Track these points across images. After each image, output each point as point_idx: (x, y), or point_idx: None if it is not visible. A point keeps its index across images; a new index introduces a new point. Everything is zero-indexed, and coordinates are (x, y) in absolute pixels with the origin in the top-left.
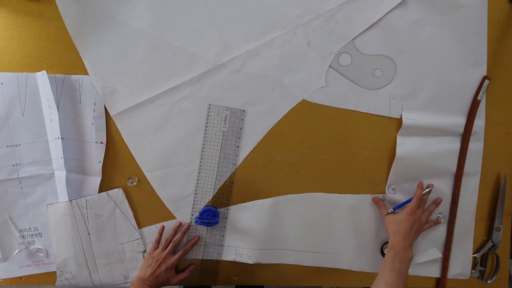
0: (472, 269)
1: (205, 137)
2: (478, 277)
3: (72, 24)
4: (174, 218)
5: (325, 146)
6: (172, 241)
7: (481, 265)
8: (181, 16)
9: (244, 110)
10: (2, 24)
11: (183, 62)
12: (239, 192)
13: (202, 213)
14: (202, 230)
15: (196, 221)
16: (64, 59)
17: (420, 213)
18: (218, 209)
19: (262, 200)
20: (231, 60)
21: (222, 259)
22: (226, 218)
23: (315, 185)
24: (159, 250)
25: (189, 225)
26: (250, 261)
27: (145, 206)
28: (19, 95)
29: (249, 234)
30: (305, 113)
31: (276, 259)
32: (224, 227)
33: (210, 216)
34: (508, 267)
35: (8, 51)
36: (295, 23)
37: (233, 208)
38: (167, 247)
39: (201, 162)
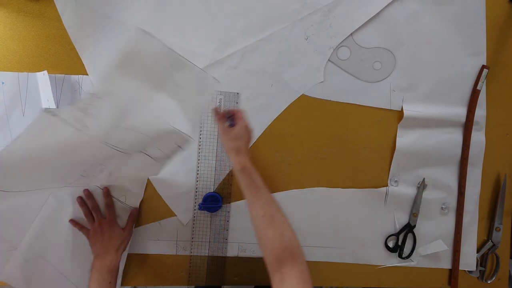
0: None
1: (201, 125)
2: (478, 277)
3: (69, 22)
4: (174, 215)
5: (325, 146)
6: (92, 209)
7: (481, 265)
8: (179, 13)
9: (238, 93)
10: (2, 24)
11: None
12: (239, 189)
13: (205, 199)
14: (205, 226)
15: (200, 207)
16: (64, 59)
17: (246, 123)
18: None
19: None
20: (229, 56)
21: (227, 255)
22: (228, 211)
23: (315, 185)
24: (91, 225)
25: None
26: (254, 256)
27: (146, 204)
28: (20, 95)
29: (252, 230)
30: (305, 108)
31: None
32: (228, 221)
33: (213, 201)
34: (508, 267)
35: (8, 51)
36: (293, 18)
37: (234, 204)
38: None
39: (199, 152)
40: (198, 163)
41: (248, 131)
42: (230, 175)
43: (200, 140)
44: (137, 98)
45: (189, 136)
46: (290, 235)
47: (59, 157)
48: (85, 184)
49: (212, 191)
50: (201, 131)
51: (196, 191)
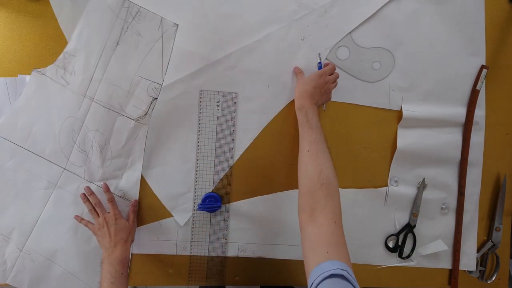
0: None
1: (199, 123)
2: (478, 277)
3: (65, 23)
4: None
5: None
6: (95, 205)
7: (481, 265)
8: (176, 14)
9: (236, 93)
10: (2, 24)
11: (178, 60)
12: (238, 189)
13: (204, 200)
14: (205, 227)
15: (199, 208)
16: None
17: (331, 79)
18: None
19: (264, 196)
20: (226, 57)
21: (226, 255)
22: (228, 211)
23: None
24: (96, 220)
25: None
26: (254, 256)
27: (146, 204)
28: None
29: (251, 230)
30: None
31: (279, 254)
32: (227, 221)
33: (212, 201)
34: (508, 267)
35: (8, 51)
36: (290, 18)
37: (234, 205)
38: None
39: (197, 153)
40: (197, 163)
41: (322, 81)
42: (229, 175)
43: (198, 140)
44: (104, 52)
45: (158, 83)
46: (329, 175)
47: (52, 115)
48: (82, 164)
49: (211, 191)
50: (199, 131)
51: (195, 192)
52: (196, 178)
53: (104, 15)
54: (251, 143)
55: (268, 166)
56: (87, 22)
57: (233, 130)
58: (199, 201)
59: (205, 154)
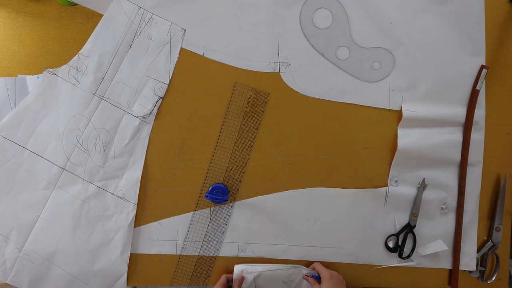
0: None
1: (226, 113)
2: (478, 277)
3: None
4: (175, 215)
5: (325, 146)
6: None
7: (481, 265)
8: None
9: (268, 93)
10: (2, 24)
11: None
12: (246, 188)
13: (212, 190)
14: (203, 223)
15: (206, 196)
16: (64, 59)
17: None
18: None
19: (264, 196)
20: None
21: (222, 255)
22: (229, 215)
23: (315, 185)
24: None
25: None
26: (254, 256)
27: (146, 204)
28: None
29: (251, 230)
30: (305, 108)
31: (279, 254)
32: (226, 224)
33: (220, 193)
34: (508, 267)
35: (8, 51)
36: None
37: (238, 204)
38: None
39: (217, 141)
40: (214, 150)
41: (335, 282)
42: (242, 172)
43: (221, 129)
44: (117, 54)
45: (164, 83)
46: None
47: (59, 113)
48: (82, 163)
49: (221, 182)
50: (224, 121)
51: (206, 179)
52: (210, 166)
53: (120, 20)
54: (253, 143)
55: (269, 166)
56: (105, 26)
57: (259, 120)
58: (207, 189)
59: (224, 144)
